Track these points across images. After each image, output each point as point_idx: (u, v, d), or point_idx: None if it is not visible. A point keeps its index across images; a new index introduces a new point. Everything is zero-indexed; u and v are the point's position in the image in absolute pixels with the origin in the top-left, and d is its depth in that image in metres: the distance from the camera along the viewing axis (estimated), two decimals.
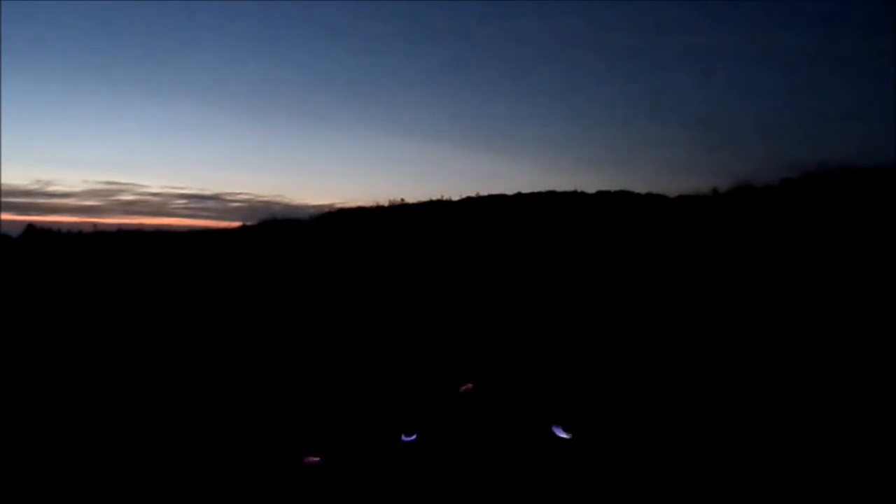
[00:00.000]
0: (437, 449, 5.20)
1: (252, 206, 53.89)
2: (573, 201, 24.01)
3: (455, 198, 26.66)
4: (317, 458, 4.91)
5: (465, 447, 5.29)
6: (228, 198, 55.46)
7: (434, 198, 26.62)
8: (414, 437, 5.22)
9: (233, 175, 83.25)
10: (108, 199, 56.13)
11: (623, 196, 23.93)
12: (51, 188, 55.71)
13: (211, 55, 69.83)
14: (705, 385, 6.81)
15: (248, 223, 30.15)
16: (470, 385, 5.70)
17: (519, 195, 26.09)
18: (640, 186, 26.18)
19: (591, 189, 25.38)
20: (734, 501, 4.65)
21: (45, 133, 74.93)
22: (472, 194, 26.64)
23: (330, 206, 42.95)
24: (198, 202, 57.16)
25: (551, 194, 25.69)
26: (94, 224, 34.89)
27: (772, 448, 5.29)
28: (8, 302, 13.41)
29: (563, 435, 5.24)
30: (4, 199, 47.47)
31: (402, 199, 26.79)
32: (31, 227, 31.50)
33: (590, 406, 6.45)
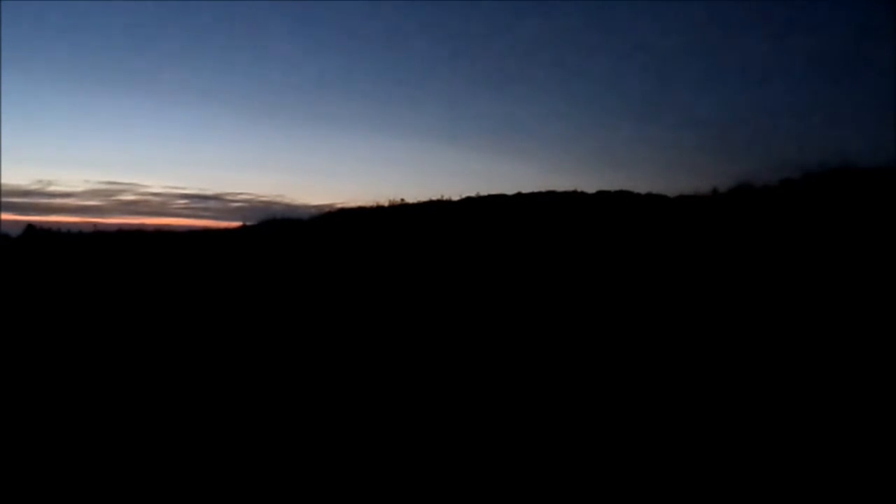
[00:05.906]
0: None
1: (252, 206, 53.83)
2: (573, 201, 23.98)
3: (455, 198, 26.55)
4: None
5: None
6: (229, 198, 55.44)
7: (434, 198, 26.53)
8: None
9: (233, 175, 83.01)
10: (109, 199, 56.03)
11: (623, 196, 23.90)
12: (51, 188, 55.62)
13: (211, 56, 70.03)
14: (705, 385, 6.83)
15: (249, 223, 30.12)
16: None
17: (519, 195, 26.04)
18: (640, 186, 26.00)
19: (591, 189, 25.32)
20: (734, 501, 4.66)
21: (45, 133, 74.67)
22: (472, 194, 26.54)
23: (330, 206, 42.86)
24: (198, 202, 57.09)
25: (551, 194, 25.64)
26: (95, 224, 34.80)
27: (772, 448, 5.31)
28: (8, 302, 13.43)
29: None
30: (4, 199, 47.27)
31: (402, 199, 26.66)
32: (31, 227, 31.42)
33: (589, 406, 6.48)
